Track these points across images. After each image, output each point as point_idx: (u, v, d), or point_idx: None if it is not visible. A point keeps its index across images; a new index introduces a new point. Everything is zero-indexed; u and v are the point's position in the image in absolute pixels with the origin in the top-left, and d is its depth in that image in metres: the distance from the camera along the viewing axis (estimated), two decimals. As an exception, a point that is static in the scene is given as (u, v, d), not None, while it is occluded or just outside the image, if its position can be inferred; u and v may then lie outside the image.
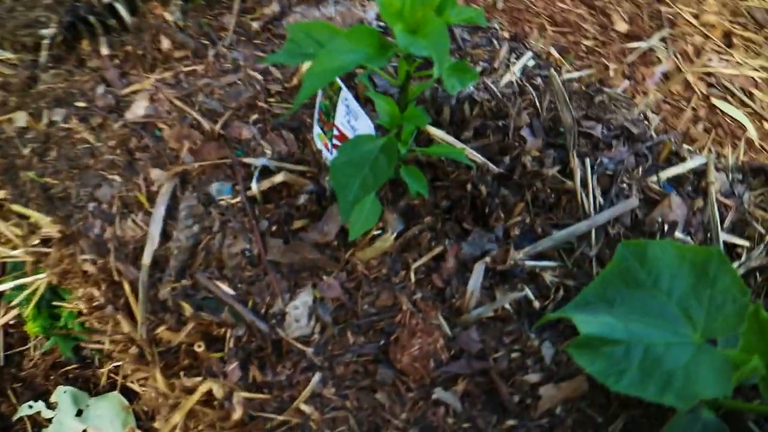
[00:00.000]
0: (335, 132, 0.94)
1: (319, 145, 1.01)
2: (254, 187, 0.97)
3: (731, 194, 1.07)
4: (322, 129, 0.98)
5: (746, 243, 1.01)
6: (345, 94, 0.87)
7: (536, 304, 0.91)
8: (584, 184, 1.00)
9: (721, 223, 1.02)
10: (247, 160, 1.01)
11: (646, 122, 1.19)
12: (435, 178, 1.00)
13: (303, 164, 1.01)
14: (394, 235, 0.93)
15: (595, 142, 1.08)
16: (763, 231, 1.02)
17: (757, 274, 0.97)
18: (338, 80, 0.87)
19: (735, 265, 0.97)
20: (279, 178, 0.96)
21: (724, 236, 1.00)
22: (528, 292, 0.92)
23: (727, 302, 0.72)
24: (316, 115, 0.98)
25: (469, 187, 0.97)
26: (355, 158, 0.78)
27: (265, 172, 0.99)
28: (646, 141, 1.11)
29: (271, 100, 1.11)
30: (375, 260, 0.92)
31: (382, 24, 1.26)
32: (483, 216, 0.97)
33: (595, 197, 0.99)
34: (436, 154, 0.98)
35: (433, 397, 0.83)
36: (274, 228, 0.94)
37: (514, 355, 0.88)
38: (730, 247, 1.01)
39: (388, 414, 0.82)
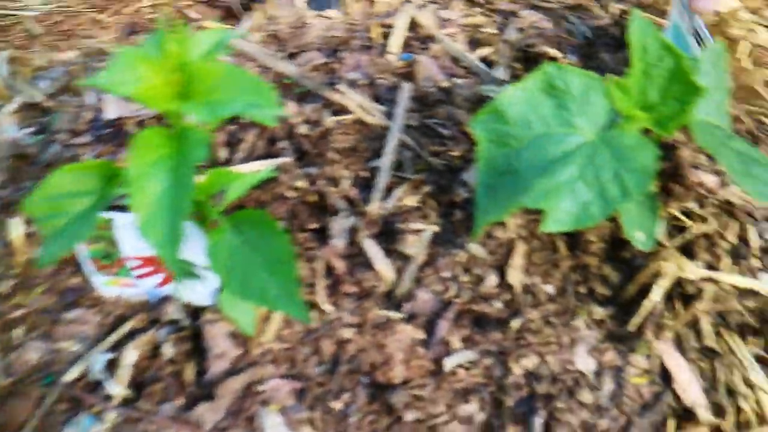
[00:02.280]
0: (133, 264, 0.77)
1: (115, 291, 0.82)
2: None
3: None
4: (111, 275, 0.79)
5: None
6: (122, 219, 0.71)
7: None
8: None
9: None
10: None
11: None
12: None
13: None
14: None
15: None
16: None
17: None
18: (103, 214, 0.70)
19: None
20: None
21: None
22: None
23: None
24: (88, 269, 0.79)
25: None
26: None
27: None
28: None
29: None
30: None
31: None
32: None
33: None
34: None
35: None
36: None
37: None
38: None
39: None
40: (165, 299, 0.81)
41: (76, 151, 0.97)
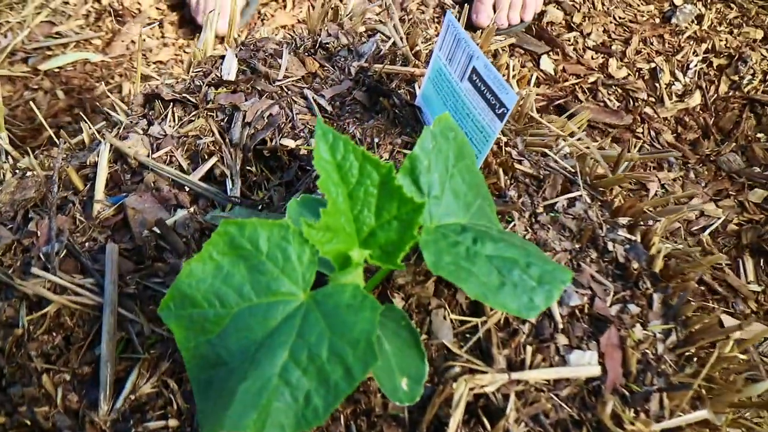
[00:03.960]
0: None
1: None
2: None
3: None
4: None
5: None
6: None
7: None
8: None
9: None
10: None
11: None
12: None
13: None
14: None
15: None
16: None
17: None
18: None
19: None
20: None
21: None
22: None
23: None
24: None
25: None
26: None
27: None
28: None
29: None
30: None
31: None
32: None
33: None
34: None
35: None
36: None
37: None
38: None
39: None
40: None
41: None
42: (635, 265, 0.87)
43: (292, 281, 0.62)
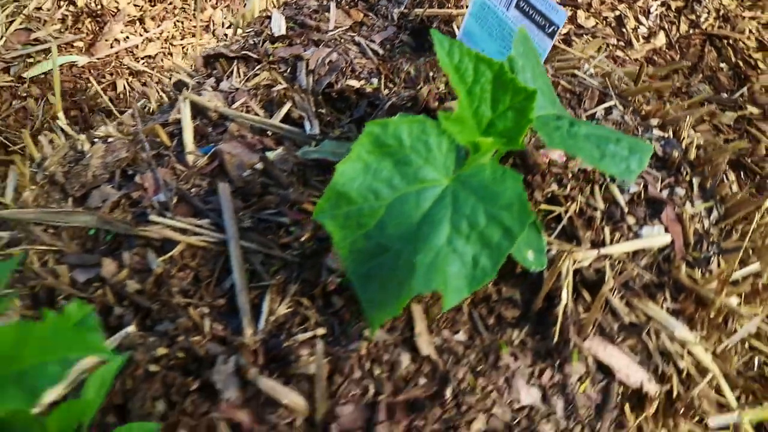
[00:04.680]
0: None
1: None
2: None
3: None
4: None
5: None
6: None
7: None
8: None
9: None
10: None
11: None
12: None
13: None
14: None
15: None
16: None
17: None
18: None
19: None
20: None
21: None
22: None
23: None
24: None
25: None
26: None
27: None
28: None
29: None
30: None
31: None
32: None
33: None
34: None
35: None
36: None
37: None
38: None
39: None
40: None
41: None
42: (675, 154, 1.00)
43: (436, 169, 0.71)
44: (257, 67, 1.01)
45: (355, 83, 0.99)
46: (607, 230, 0.89)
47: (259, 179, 0.88)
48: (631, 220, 0.92)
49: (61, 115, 1.06)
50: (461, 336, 0.81)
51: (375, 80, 1.00)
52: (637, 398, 0.83)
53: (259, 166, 0.88)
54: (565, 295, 0.82)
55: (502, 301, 0.84)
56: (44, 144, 1.01)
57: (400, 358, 0.77)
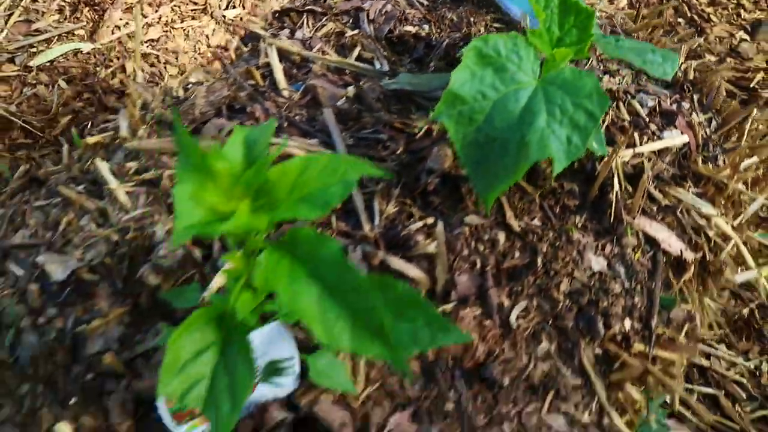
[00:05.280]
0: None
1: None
2: None
3: None
4: (193, 417, 0.75)
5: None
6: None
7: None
8: None
9: None
10: None
11: None
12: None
13: None
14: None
15: None
16: None
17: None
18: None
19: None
20: None
21: None
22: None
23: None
24: (172, 425, 0.73)
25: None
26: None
27: None
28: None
29: None
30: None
31: None
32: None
33: None
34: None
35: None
36: None
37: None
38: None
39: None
40: (256, 409, 0.79)
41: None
42: (678, 75, 1.21)
43: (526, 74, 0.88)
44: (323, 19, 1.16)
45: (411, 29, 1.15)
46: (636, 135, 1.09)
47: (353, 106, 1.03)
48: (653, 126, 1.11)
49: (139, 72, 1.17)
50: (537, 221, 0.99)
51: (426, 26, 1.16)
52: (677, 264, 1.03)
53: (350, 94, 1.03)
54: (617, 184, 1.01)
55: (564, 194, 1.02)
56: (138, 93, 1.12)
57: (498, 237, 0.94)
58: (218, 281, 0.82)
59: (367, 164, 0.58)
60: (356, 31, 1.14)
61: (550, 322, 0.92)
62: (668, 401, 1.03)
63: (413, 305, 0.63)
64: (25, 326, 0.82)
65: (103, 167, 0.93)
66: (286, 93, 1.05)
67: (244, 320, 0.59)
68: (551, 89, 0.86)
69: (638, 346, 0.94)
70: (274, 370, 0.75)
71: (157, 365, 0.80)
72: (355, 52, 1.11)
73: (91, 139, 1.01)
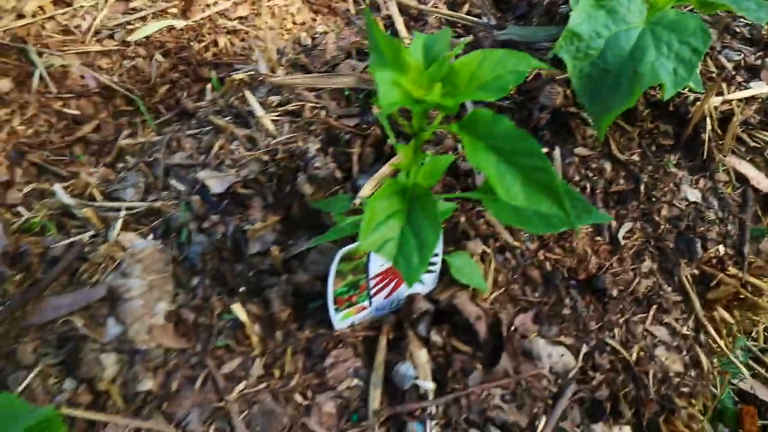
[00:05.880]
0: (373, 282, 0.84)
1: (347, 322, 0.88)
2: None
3: None
4: (350, 305, 0.85)
5: None
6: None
7: None
8: None
9: None
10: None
11: None
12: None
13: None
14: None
15: None
16: None
17: None
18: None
19: None
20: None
21: None
22: None
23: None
24: (333, 308, 0.84)
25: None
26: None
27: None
28: None
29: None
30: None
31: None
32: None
33: None
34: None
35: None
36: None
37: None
38: None
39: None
40: (400, 304, 0.89)
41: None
42: (763, 32, 1.29)
43: (635, 16, 0.97)
44: (429, -20, 1.27)
45: (512, -11, 1.26)
46: (724, 85, 1.17)
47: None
48: (739, 78, 1.20)
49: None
50: (636, 157, 1.08)
51: (525, -13, 1.27)
52: (765, 201, 1.11)
53: (466, 42, 1.14)
54: (709, 125, 1.09)
55: (660, 134, 1.11)
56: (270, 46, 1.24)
57: (605, 166, 1.03)
58: (367, 189, 0.92)
59: (533, 58, 0.68)
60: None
61: (653, 243, 1.01)
62: (754, 335, 1.11)
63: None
64: (192, 229, 0.93)
65: (251, 97, 1.05)
66: (406, 41, 1.16)
67: (428, 190, 0.69)
68: (658, 29, 0.95)
69: (732, 270, 1.02)
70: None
71: (312, 264, 0.91)
72: (465, 8, 1.22)
73: (236, 76, 1.13)
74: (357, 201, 0.90)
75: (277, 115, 1.03)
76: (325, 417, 0.81)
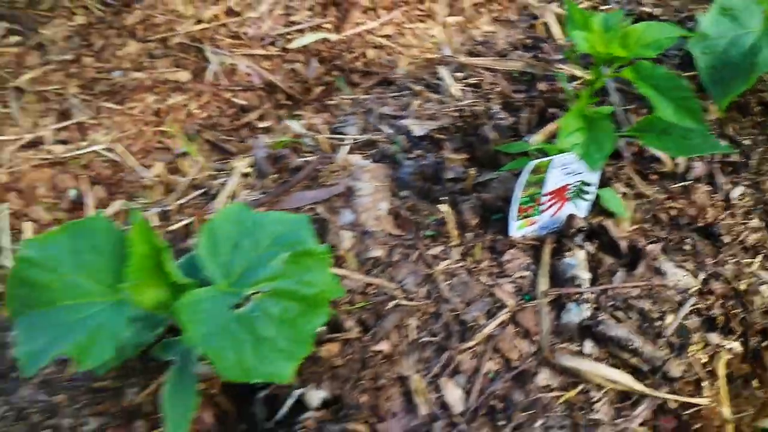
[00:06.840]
0: (545, 199, 1.11)
1: (521, 232, 1.16)
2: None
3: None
4: (526, 216, 1.13)
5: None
6: (559, 159, 1.06)
7: None
8: None
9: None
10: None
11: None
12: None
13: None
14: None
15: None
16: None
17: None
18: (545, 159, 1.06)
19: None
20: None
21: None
22: None
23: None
24: (516, 215, 1.11)
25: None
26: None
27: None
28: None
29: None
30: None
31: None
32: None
33: None
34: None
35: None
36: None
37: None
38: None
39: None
40: (563, 221, 1.16)
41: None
42: None
43: (754, 22, 1.25)
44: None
45: None
46: None
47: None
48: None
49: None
50: (748, 141, 1.33)
51: None
52: None
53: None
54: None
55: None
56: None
57: (721, 141, 1.30)
58: (539, 138, 1.21)
59: (681, 29, 0.97)
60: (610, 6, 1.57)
61: (761, 207, 1.25)
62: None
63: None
64: (401, 157, 1.24)
65: (443, 71, 1.37)
66: (561, 41, 1.47)
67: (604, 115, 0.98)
68: (770, 36, 1.23)
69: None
70: (580, 190, 1.12)
71: (493, 189, 1.19)
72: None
73: (428, 56, 1.45)
74: (531, 141, 1.19)
75: (461, 86, 1.35)
76: (506, 293, 1.09)
